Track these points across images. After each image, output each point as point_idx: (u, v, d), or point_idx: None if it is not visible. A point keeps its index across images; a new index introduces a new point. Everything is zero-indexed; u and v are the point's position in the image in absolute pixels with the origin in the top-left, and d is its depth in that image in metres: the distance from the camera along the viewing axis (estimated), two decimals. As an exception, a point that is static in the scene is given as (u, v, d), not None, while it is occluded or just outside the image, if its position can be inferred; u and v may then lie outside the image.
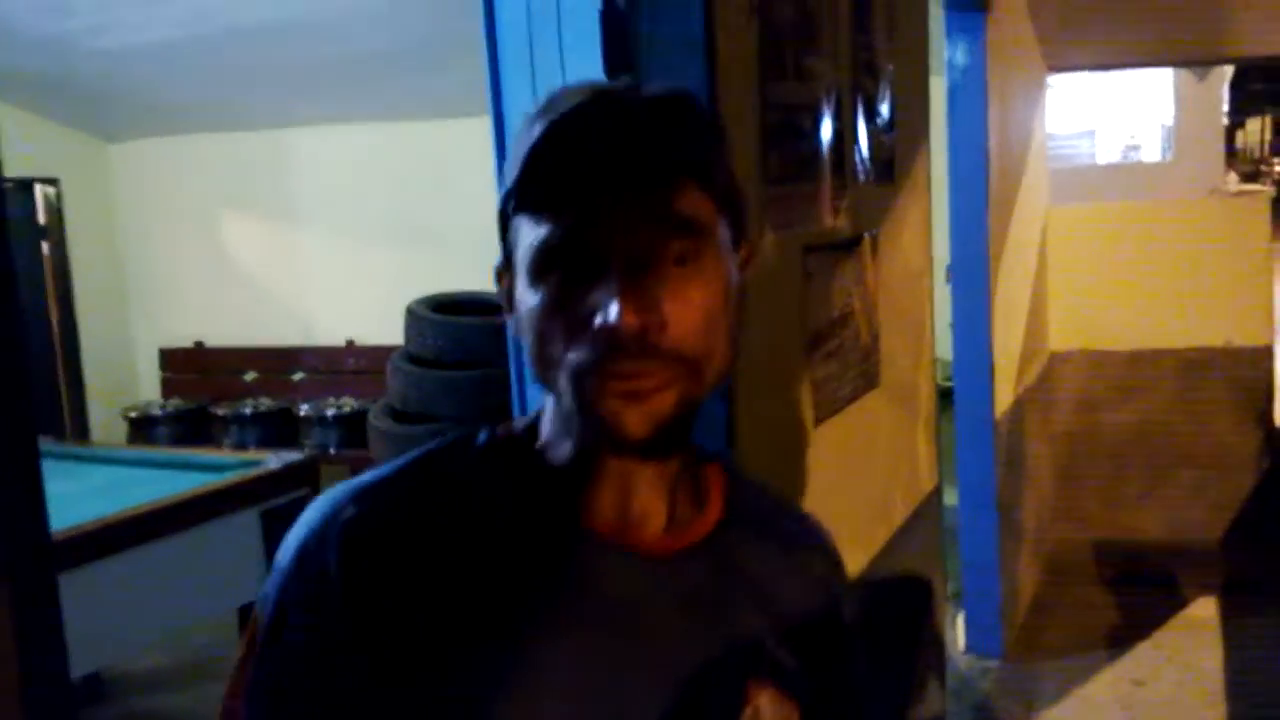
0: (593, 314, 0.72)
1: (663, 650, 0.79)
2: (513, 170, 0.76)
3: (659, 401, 0.74)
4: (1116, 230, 4.95)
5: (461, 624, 0.74)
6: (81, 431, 6.20)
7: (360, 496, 0.79)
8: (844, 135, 2.37)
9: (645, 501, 0.81)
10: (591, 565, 0.79)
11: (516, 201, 0.76)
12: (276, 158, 6.47)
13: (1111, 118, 6.62)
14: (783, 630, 0.87)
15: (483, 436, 0.84)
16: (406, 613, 0.74)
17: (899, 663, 2.82)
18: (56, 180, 6.20)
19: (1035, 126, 4.71)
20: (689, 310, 0.74)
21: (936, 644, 3.06)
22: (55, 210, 6.25)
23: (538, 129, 0.74)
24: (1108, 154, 6.62)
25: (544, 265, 0.74)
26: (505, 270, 0.81)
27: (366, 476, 0.83)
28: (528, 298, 0.76)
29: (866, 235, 2.51)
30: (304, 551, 0.76)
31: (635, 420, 0.74)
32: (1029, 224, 4.50)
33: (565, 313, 0.73)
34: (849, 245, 2.41)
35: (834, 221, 2.33)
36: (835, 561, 1.03)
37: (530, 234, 0.75)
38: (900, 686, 2.81)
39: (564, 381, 0.75)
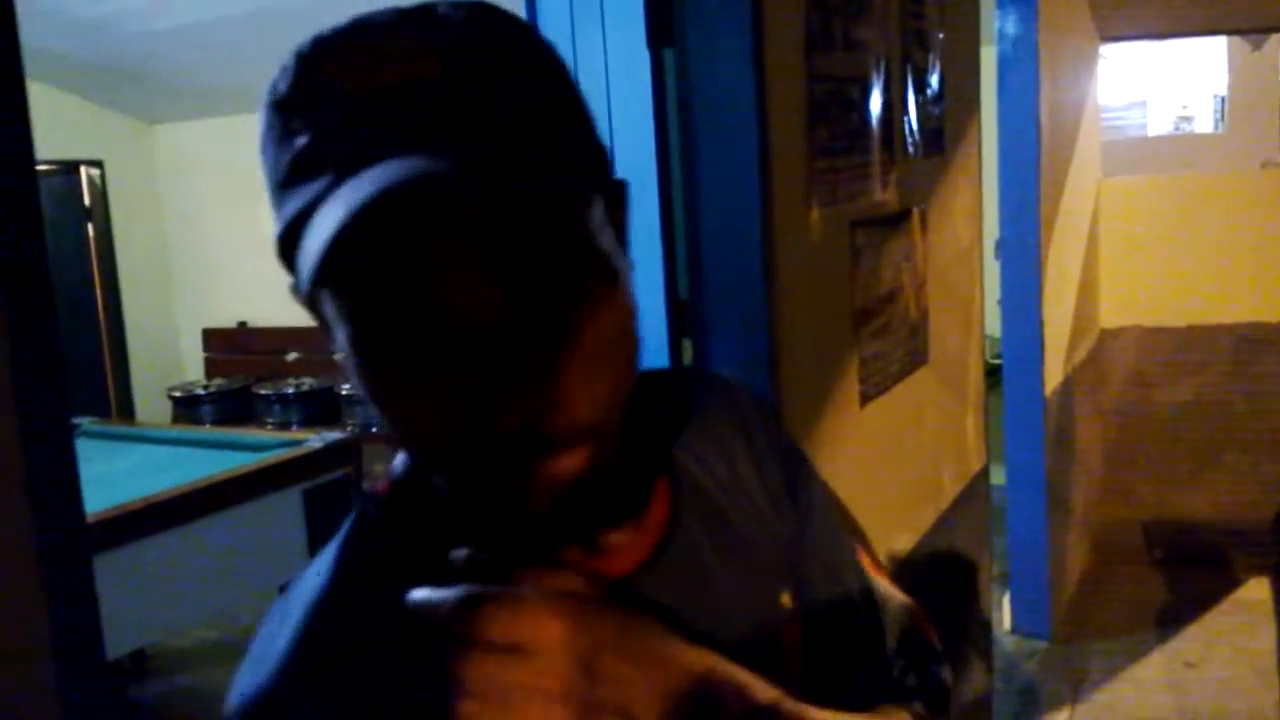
0: (451, 407, 0.55)
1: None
2: (288, 200, 0.59)
3: (559, 478, 0.58)
4: (1169, 203, 4.83)
5: None
6: (127, 411, 6.27)
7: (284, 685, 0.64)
8: (893, 107, 2.32)
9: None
10: None
11: (300, 248, 0.57)
12: (317, 137, 6.49)
13: (1164, 88, 6.48)
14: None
15: (373, 510, 0.70)
16: None
17: (945, 643, 2.78)
18: (101, 162, 6.25)
19: (1087, 97, 4.60)
20: (582, 369, 0.57)
21: (983, 625, 3.02)
22: (100, 192, 6.30)
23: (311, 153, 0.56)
24: (1160, 125, 6.49)
25: (372, 341, 0.57)
26: (306, 301, 0.62)
27: (261, 675, 0.66)
28: (353, 364, 0.59)
29: (915, 209, 2.46)
30: None
31: (534, 498, 0.58)
32: (1080, 197, 4.41)
33: (412, 399, 0.56)
34: (898, 220, 2.37)
35: (882, 195, 2.28)
36: (737, 401, 0.83)
37: (344, 298, 0.57)
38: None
39: (435, 470, 0.62)
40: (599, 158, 0.62)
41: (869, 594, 0.85)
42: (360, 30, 0.59)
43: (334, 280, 0.56)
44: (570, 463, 0.58)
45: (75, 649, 0.87)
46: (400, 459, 0.71)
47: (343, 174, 0.54)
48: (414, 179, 0.50)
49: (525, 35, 0.60)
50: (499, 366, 0.54)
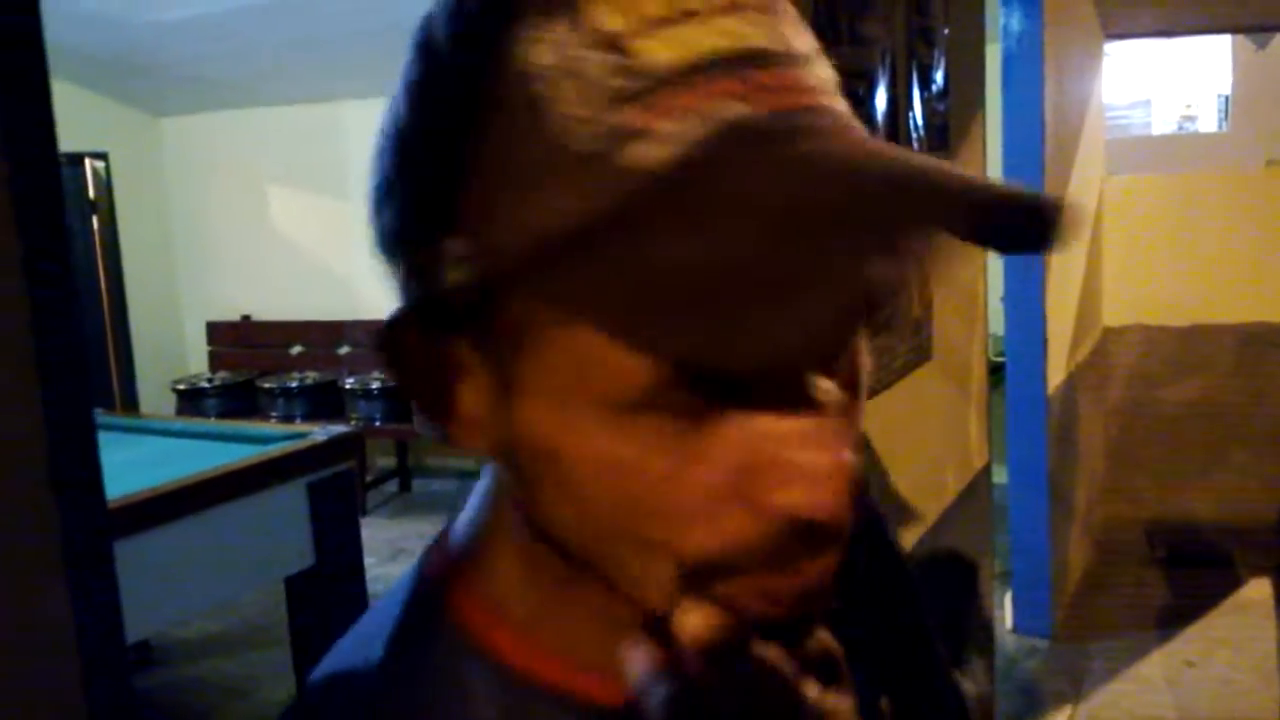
0: (769, 486, 0.41)
1: None
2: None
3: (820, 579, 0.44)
4: (1173, 202, 4.83)
5: None
6: (131, 404, 6.28)
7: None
8: (898, 103, 2.33)
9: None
10: None
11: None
12: (324, 131, 6.49)
13: (1168, 87, 6.47)
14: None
15: (437, 610, 0.52)
16: None
17: (946, 641, 2.79)
18: (106, 155, 6.26)
19: (1091, 95, 4.60)
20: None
21: (985, 623, 3.02)
22: (105, 185, 6.31)
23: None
24: (1164, 124, 6.48)
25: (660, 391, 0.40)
26: (419, 331, 0.46)
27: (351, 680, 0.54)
28: (595, 436, 0.41)
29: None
30: None
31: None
32: (1084, 195, 4.41)
33: (692, 475, 0.41)
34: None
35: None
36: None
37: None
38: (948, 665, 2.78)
39: (656, 582, 0.43)
40: None
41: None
42: None
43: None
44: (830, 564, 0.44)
45: (98, 638, 0.88)
46: (465, 530, 0.55)
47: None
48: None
49: None
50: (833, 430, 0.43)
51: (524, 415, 0.44)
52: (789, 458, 0.41)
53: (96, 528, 0.89)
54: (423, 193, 0.46)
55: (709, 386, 0.40)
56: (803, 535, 0.41)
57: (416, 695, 0.51)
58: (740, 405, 0.41)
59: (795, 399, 0.41)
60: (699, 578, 0.43)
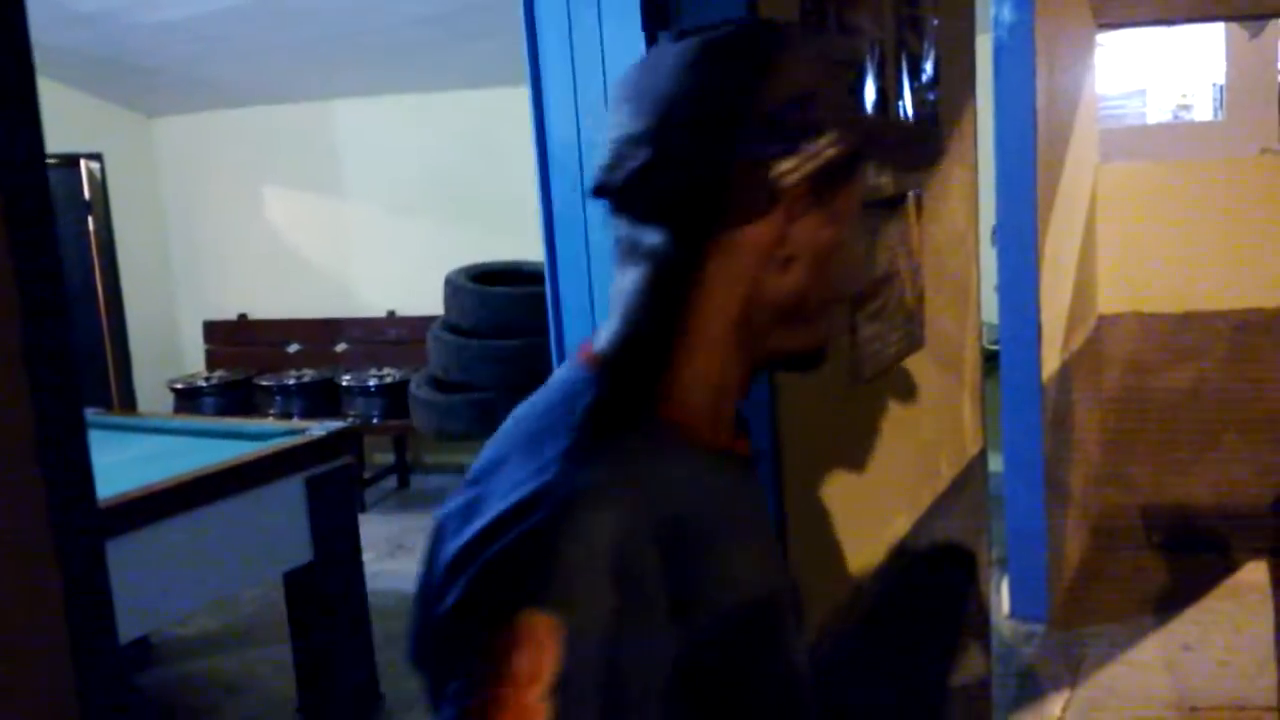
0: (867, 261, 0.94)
1: (767, 535, 0.99)
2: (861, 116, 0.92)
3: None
4: (1167, 190, 4.84)
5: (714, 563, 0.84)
6: (129, 403, 6.29)
7: (612, 502, 0.79)
8: (887, 92, 2.33)
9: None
10: (739, 477, 0.93)
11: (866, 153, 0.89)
12: (318, 130, 6.50)
13: (1162, 77, 6.47)
14: None
15: (616, 398, 0.86)
16: (680, 570, 0.80)
17: (943, 628, 2.80)
18: (100, 155, 6.26)
19: (1084, 85, 4.61)
20: None
21: (981, 609, 3.03)
22: (100, 185, 6.31)
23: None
24: (1158, 113, 6.48)
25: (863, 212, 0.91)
26: (804, 194, 0.85)
27: (582, 472, 0.80)
28: (831, 233, 0.86)
29: (911, 194, 2.47)
30: (597, 555, 0.76)
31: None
32: (1077, 184, 4.42)
33: (860, 258, 0.94)
34: (893, 204, 2.38)
35: (878, 180, 2.29)
36: None
37: (842, 177, 0.85)
38: (944, 652, 2.79)
39: (825, 316, 0.90)
40: None
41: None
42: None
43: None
44: None
45: (90, 635, 0.88)
46: (604, 339, 0.90)
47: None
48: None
49: None
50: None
51: (828, 229, 0.87)
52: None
53: (88, 527, 0.89)
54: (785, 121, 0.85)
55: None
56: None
57: (634, 457, 0.83)
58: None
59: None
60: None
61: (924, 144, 1.03)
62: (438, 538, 0.84)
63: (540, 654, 0.72)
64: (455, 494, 0.86)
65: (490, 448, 0.88)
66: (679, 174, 0.83)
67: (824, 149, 0.83)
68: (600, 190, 0.87)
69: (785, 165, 0.82)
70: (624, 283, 0.89)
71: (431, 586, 0.82)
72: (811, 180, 0.83)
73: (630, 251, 0.87)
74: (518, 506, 0.77)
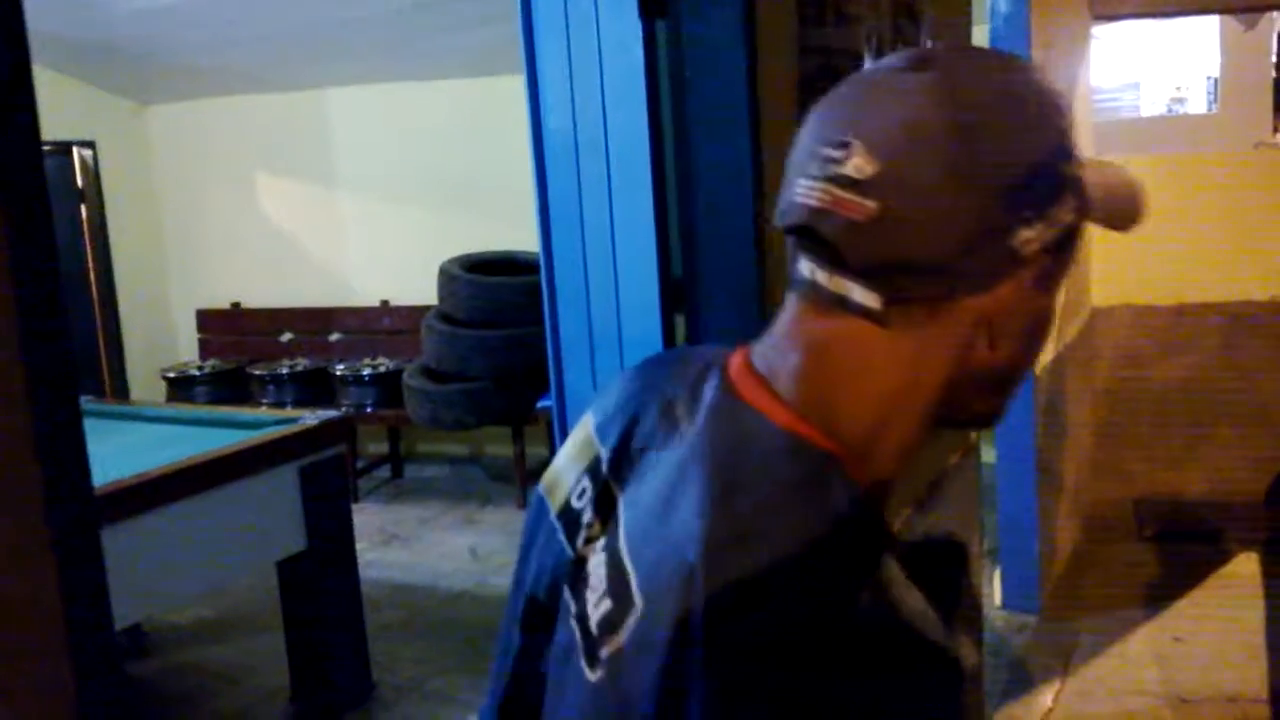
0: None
1: None
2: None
3: None
4: (1161, 183, 4.83)
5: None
6: (121, 392, 6.28)
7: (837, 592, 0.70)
8: (883, 82, 2.33)
9: None
10: None
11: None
12: (312, 118, 6.48)
13: (1157, 70, 6.47)
14: None
15: (847, 506, 0.74)
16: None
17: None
18: (93, 143, 6.24)
19: (1079, 77, 4.61)
20: None
21: (973, 600, 3.04)
22: (93, 174, 6.29)
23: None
24: (1153, 107, 6.48)
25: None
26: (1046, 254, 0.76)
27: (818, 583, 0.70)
28: (1045, 303, 0.78)
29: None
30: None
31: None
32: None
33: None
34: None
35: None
36: None
37: (1071, 245, 0.78)
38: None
39: (1015, 386, 0.82)
40: None
41: None
42: None
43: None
44: None
45: (87, 622, 0.89)
46: (796, 393, 0.79)
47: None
48: None
49: None
50: None
51: (1044, 297, 0.78)
52: None
53: (84, 514, 0.89)
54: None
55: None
56: None
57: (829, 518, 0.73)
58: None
59: None
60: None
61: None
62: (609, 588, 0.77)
63: None
64: (608, 534, 0.82)
65: (679, 512, 0.75)
66: (913, 237, 0.72)
67: (1065, 215, 0.75)
68: (799, 230, 0.76)
69: (1028, 233, 0.73)
70: (819, 333, 0.78)
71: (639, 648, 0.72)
72: (1048, 249, 0.74)
73: (830, 301, 0.76)
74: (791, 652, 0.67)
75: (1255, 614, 3.84)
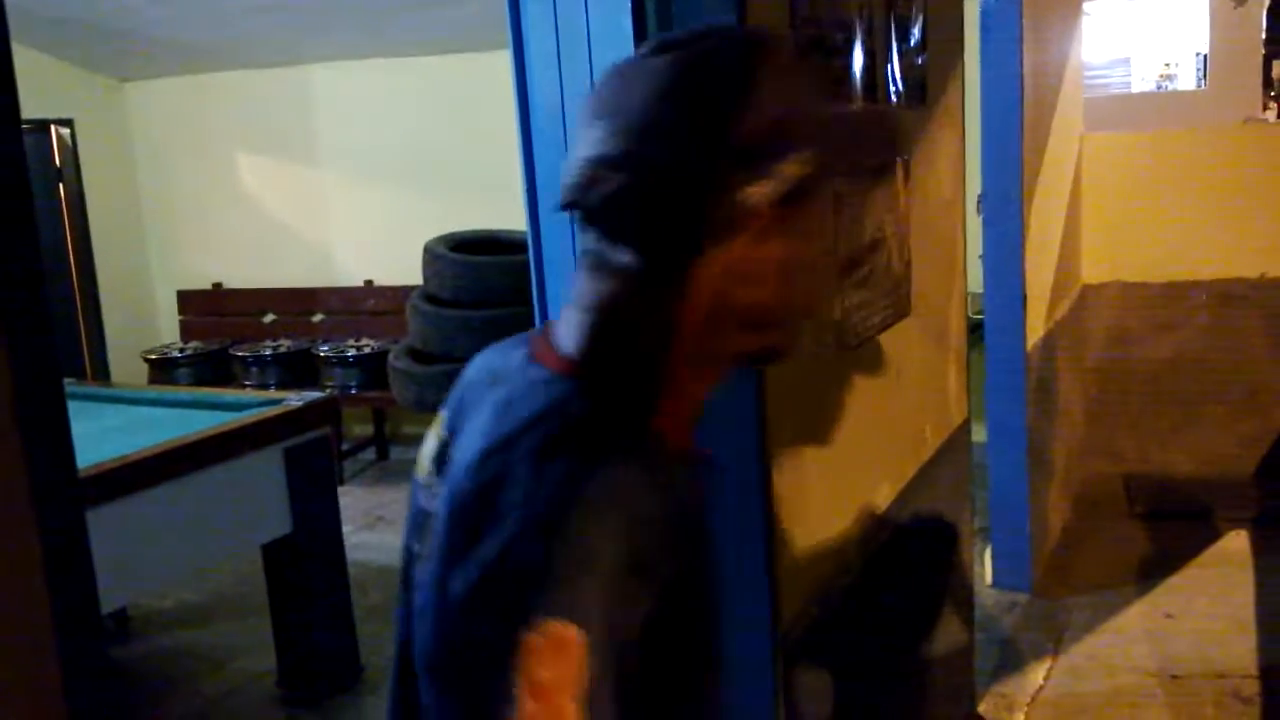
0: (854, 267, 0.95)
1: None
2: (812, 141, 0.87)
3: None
4: (1151, 160, 4.83)
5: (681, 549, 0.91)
6: (102, 374, 6.20)
7: (617, 485, 0.86)
8: (876, 55, 2.29)
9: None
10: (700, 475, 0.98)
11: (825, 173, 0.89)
12: (294, 95, 6.39)
13: (1147, 46, 6.44)
14: None
15: (598, 410, 0.91)
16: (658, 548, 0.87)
17: (926, 597, 2.79)
18: (71, 121, 6.14)
19: (1070, 52, 4.58)
20: None
21: (963, 579, 3.03)
22: (71, 152, 6.19)
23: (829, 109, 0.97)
24: (1143, 83, 6.45)
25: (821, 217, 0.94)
26: (776, 208, 0.87)
27: (600, 469, 0.86)
28: (794, 249, 0.89)
29: (899, 159, 2.43)
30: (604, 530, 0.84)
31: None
32: (1063, 152, 4.39)
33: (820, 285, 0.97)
34: (881, 170, 2.34)
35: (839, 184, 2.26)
36: None
37: (805, 195, 0.87)
38: (927, 621, 2.79)
39: (788, 327, 0.93)
40: None
41: None
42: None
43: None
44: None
45: (72, 603, 0.89)
46: (573, 346, 0.94)
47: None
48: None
49: None
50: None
51: (791, 246, 0.90)
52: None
53: (69, 495, 0.89)
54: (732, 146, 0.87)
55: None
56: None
57: (633, 471, 0.87)
58: None
59: None
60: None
61: (883, 131, 1.02)
62: (435, 535, 0.91)
63: (566, 661, 0.78)
64: (441, 482, 0.96)
65: (471, 441, 0.94)
66: (655, 202, 0.86)
67: (791, 171, 0.86)
68: (571, 207, 0.90)
69: (754, 189, 0.85)
70: (591, 293, 0.93)
71: (452, 599, 0.85)
72: (778, 202, 0.86)
73: (599, 265, 0.91)
74: (534, 522, 0.83)
75: (1245, 590, 3.85)
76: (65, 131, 6.11)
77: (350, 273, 6.48)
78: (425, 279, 5.47)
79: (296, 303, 6.54)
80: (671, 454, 0.92)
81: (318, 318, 6.51)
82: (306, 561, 3.49)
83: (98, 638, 0.96)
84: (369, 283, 6.43)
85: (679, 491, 0.92)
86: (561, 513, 0.82)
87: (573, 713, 0.78)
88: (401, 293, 5.86)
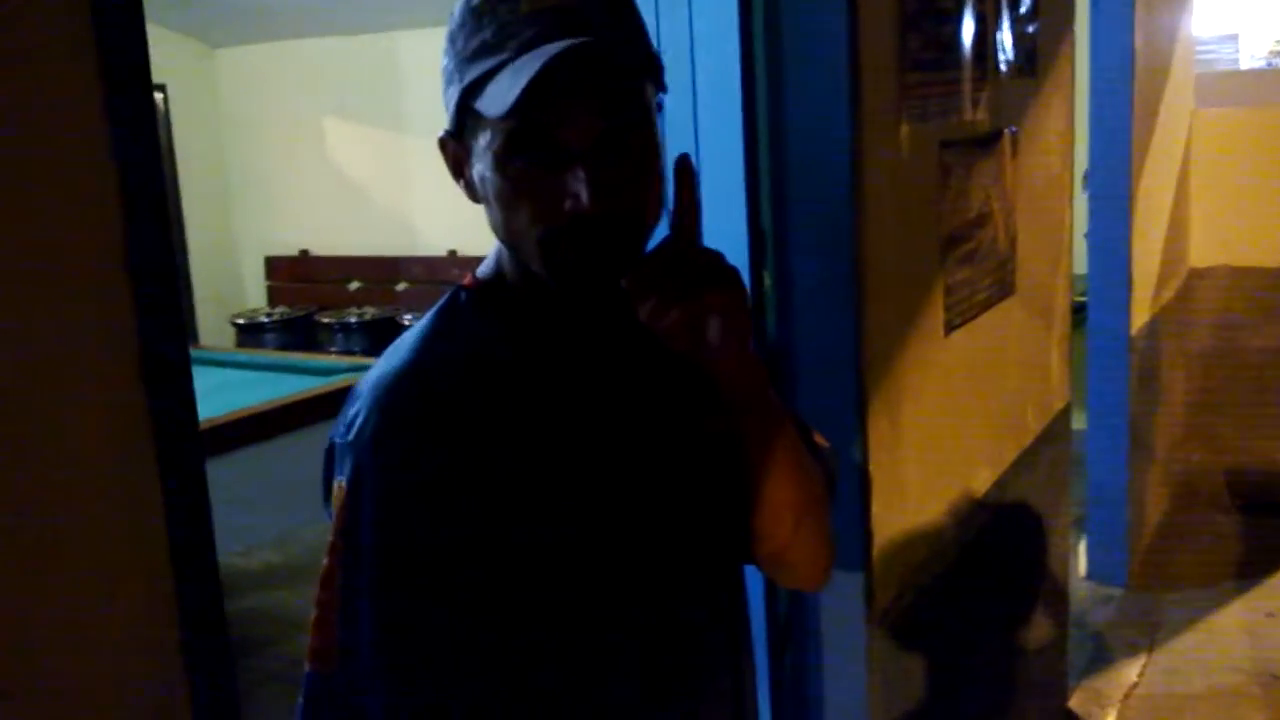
0: (560, 198, 0.88)
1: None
2: (473, 69, 0.89)
3: (614, 254, 0.90)
4: (1265, 137, 4.62)
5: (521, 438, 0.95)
6: (191, 337, 6.32)
7: (404, 376, 0.94)
8: (986, 22, 2.20)
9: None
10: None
11: (480, 98, 0.88)
12: (381, 63, 6.42)
13: (1256, 21, 6.19)
14: None
15: (463, 295, 1.00)
16: (482, 448, 0.93)
17: (1020, 586, 2.72)
18: (164, 86, 6.24)
19: (1180, 25, 4.39)
20: (638, 185, 0.91)
21: (1058, 569, 2.94)
22: (164, 117, 6.30)
23: (505, 42, 0.88)
24: (1252, 60, 6.19)
25: (510, 150, 0.88)
26: (453, 141, 0.96)
27: (397, 360, 0.96)
28: (491, 176, 0.90)
29: (1006, 131, 2.34)
30: (378, 433, 0.92)
31: (598, 274, 0.91)
32: (1172, 129, 4.22)
33: (533, 194, 0.89)
34: (988, 141, 2.26)
35: (973, 115, 2.17)
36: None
37: (498, 125, 0.88)
38: (1020, 610, 2.71)
39: (533, 248, 0.91)
40: (659, 66, 0.95)
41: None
42: None
43: (513, 113, 0.85)
44: (620, 245, 0.90)
45: (189, 547, 0.99)
46: (484, 265, 1.02)
47: (516, 55, 0.87)
48: (566, 49, 0.84)
49: None
50: (590, 174, 0.87)
51: (477, 165, 0.94)
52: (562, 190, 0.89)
53: (189, 446, 0.97)
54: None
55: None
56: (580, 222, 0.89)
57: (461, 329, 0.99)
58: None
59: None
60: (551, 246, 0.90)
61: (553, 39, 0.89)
62: None
63: (339, 514, 0.92)
64: None
65: None
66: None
67: (453, 94, 0.92)
68: None
69: (450, 107, 0.94)
70: None
71: None
72: (454, 122, 0.94)
73: None
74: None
75: (1352, 590, 3.68)
76: (159, 97, 6.21)
77: (434, 243, 6.50)
78: (508, 249, 5.48)
79: (381, 271, 6.59)
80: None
81: (401, 286, 6.55)
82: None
83: (214, 579, 1.05)
84: (452, 253, 6.45)
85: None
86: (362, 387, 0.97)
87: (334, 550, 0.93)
88: (484, 263, 5.87)
